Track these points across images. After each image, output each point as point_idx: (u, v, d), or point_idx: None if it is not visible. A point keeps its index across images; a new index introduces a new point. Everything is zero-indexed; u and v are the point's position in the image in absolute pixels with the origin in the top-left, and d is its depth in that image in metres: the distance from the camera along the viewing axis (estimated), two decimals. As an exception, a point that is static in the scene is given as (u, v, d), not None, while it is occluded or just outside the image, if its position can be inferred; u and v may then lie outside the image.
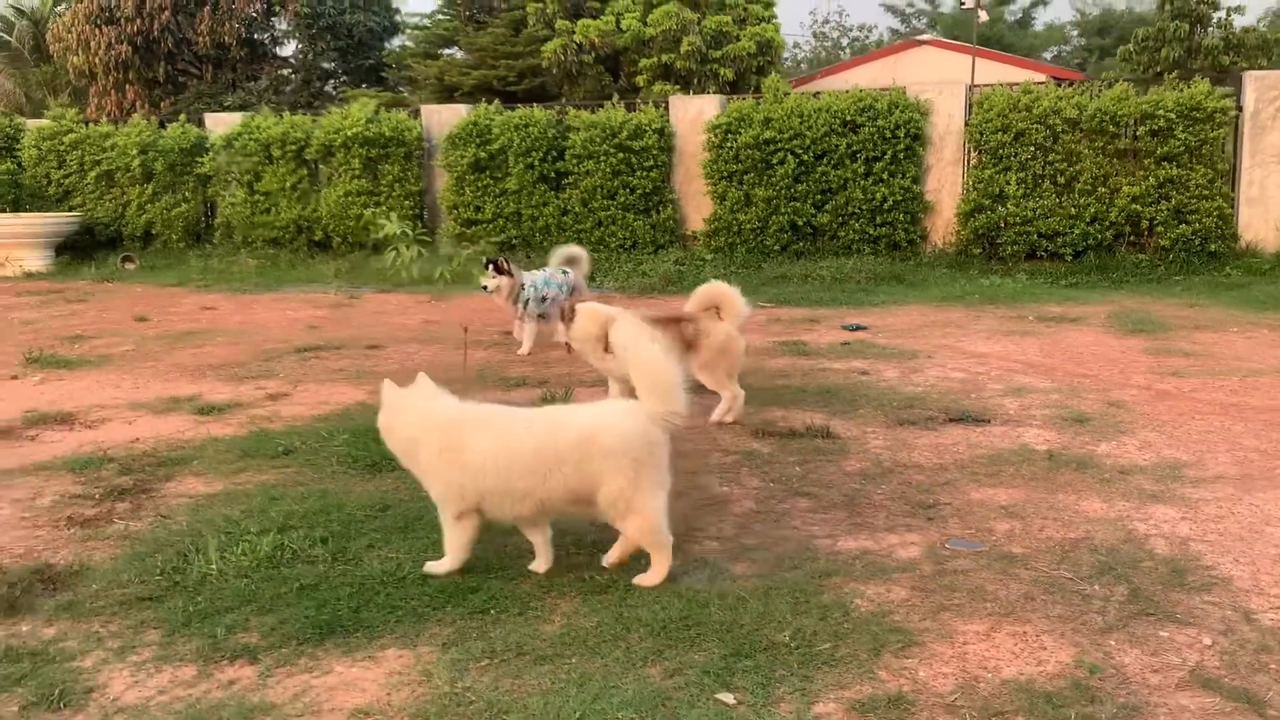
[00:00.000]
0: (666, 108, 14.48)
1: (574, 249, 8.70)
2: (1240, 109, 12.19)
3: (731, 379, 5.84)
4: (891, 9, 40.11)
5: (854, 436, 5.60)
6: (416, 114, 15.60)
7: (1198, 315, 9.50)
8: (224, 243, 15.82)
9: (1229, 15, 20.23)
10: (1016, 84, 13.27)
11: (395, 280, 10.91)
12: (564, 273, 8.38)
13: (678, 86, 19.47)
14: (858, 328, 9.14)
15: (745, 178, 13.52)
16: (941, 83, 13.99)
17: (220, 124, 16.28)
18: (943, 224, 13.35)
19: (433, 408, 3.81)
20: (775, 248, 13.45)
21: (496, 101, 15.20)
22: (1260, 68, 19.87)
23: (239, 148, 15.48)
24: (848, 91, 13.44)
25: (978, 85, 13.86)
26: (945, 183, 13.34)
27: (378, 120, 15.02)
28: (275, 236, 15.50)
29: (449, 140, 14.70)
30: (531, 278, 8.13)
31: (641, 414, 3.66)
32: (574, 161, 14.22)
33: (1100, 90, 12.58)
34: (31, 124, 17.26)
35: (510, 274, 7.97)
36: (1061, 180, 12.46)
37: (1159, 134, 12.00)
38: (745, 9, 20.97)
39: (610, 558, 3.80)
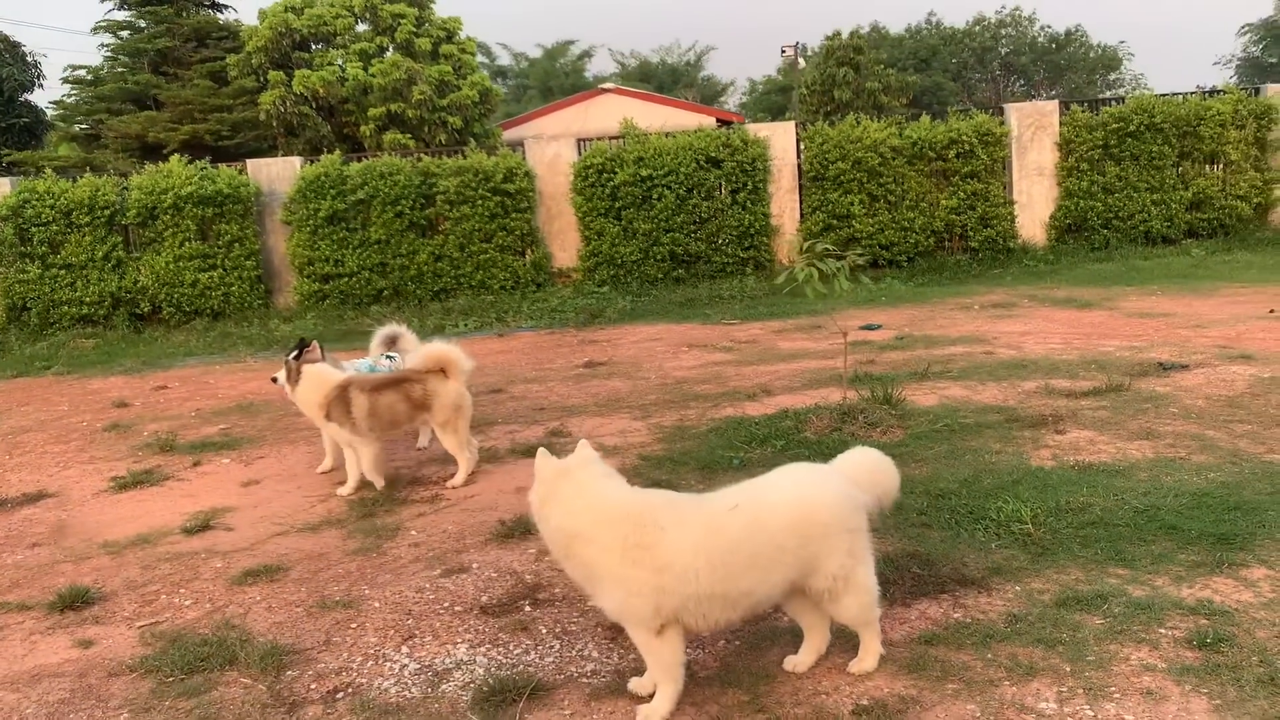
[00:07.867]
0: (523, 152, 14.82)
1: (395, 327, 7.12)
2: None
3: (467, 438, 5.93)
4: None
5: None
6: (241, 170, 14.46)
7: (1100, 290, 11.97)
8: (13, 325, 13.50)
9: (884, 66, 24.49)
10: (838, 121, 15.38)
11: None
12: (388, 358, 6.69)
13: (408, 135, 19.63)
14: (875, 327, 10.44)
15: (624, 213, 14.31)
16: (773, 124, 15.75)
17: (-17, 190, 13.89)
18: (785, 245, 15.05)
19: (606, 492, 3.09)
20: (658, 275, 14.38)
21: (337, 151, 14.57)
22: (902, 105, 24.27)
23: (29, 217, 13.35)
24: (701, 131, 14.75)
25: (803, 123, 15.82)
26: (785, 208, 15.09)
27: (211, 177, 13.76)
28: (85, 314, 13.56)
29: (299, 193, 13.89)
30: (353, 366, 6.46)
31: (837, 477, 3.29)
32: (446, 207, 14.11)
33: (905, 122, 15.06)
34: None
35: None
36: (892, 199, 14.71)
37: (964, 155, 14.65)
38: (460, 59, 21.50)
39: (804, 660, 3.37)
